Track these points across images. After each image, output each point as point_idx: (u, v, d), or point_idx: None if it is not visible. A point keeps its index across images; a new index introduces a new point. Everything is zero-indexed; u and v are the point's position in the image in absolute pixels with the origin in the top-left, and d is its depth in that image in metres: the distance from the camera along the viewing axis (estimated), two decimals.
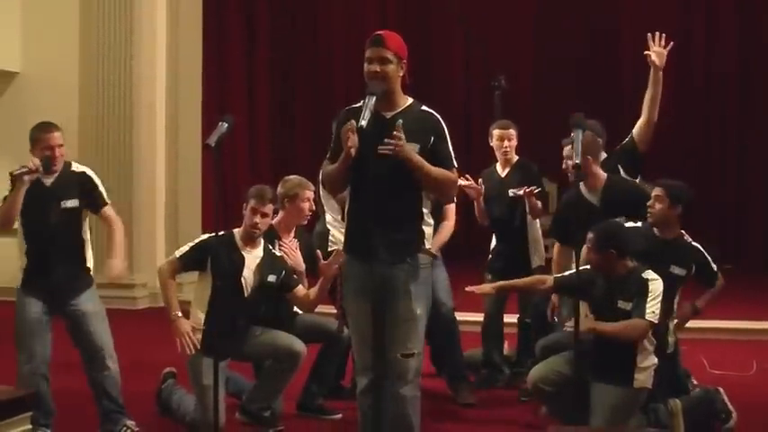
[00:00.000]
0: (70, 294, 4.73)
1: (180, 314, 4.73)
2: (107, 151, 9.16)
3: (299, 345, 4.95)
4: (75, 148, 9.12)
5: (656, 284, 4.43)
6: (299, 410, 5.31)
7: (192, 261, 4.86)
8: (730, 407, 4.86)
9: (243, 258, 4.85)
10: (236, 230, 4.95)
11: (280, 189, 5.27)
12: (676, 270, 4.78)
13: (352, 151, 3.63)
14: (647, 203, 4.86)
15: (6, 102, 9.80)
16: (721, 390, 4.94)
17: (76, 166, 4.81)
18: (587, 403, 4.46)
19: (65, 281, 4.72)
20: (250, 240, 4.90)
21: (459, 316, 5.80)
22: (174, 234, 9.61)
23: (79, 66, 9.38)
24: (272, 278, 4.91)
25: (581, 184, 4.97)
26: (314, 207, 5.31)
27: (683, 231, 4.91)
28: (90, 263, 4.85)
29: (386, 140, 3.63)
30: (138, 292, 9.21)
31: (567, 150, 5.14)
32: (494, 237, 6.06)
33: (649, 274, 4.47)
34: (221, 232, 4.77)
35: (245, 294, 4.86)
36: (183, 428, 4.96)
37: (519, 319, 5.94)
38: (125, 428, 4.75)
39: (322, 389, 5.33)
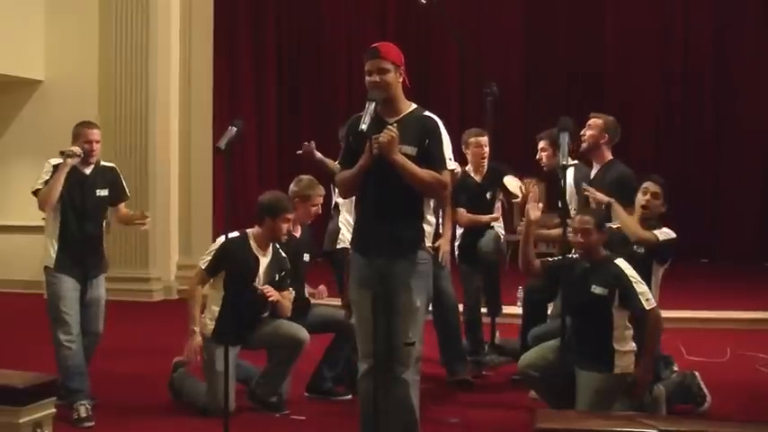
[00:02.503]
0: (94, 272, 5.04)
1: (197, 329, 4.85)
2: (124, 155, 9.16)
3: (302, 333, 4.98)
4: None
5: (630, 270, 4.41)
6: (309, 392, 5.33)
7: (216, 269, 4.92)
8: (705, 391, 4.88)
9: (258, 262, 4.94)
10: (249, 232, 4.98)
11: (293, 187, 5.30)
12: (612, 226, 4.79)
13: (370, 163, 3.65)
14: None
15: (31, 108, 9.83)
16: (697, 374, 4.95)
17: (103, 161, 5.16)
18: (574, 389, 4.47)
19: (92, 259, 5.03)
20: (266, 245, 4.95)
21: None
22: (187, 232, 9.64)
23: (98, 74, 9.40)
24: (277, 276, 5.01)
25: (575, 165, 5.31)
26: (320, 211, 5.35)
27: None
28: (105, 252, 5.16)
29: (384, 130, 3.63)
30: (154, 286, 9.24)
31: (542, 144, 5.44)
32: (460, 230, 6.03)
33: (623, 263, 4.44)
34: (235, 234, 4.89)
35: (258, 292, 4.92)
36: (195, 412, 4.97)
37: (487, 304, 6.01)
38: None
39: (332, 373, 5.36)
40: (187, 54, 9.76)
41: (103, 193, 5.05)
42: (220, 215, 9.57)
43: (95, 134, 5.00)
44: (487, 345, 6.07)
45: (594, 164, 5.31)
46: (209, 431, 4.52)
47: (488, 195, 5.94)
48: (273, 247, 5.03)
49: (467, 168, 5.96)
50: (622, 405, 4.44)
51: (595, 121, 5.28)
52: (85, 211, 4.97)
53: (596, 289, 4.43)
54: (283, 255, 5.09)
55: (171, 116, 9.61)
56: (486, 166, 5.96)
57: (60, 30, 9.58)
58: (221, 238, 4.93)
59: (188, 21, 9.76)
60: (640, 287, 4.38)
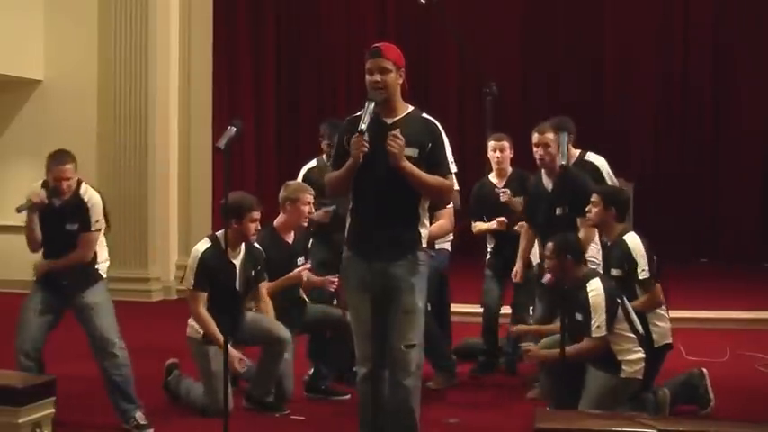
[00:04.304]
0: (78, 291, 4.73)
1: (229, 343, 4.64)
2: (124, 154, 9.18)
3: (283, 331, 4.99)
4: (95, 151, 9.17)
5: (596, 299, 4.43)
6: (307, 392, 5.34)
7: (204, 282, 4.88)
8: (711, 394, 4.86)
9: (234, 265, 4.91)
10: (219, 235, 4.94)
11: (282, 193, 5.32)
12: (615, 272, 4.74)
13: (360, 157, 3.64)
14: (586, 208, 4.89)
15: (30, 107, 9.82)
16: (705, 372, 4.92)
17: (84, 190, 4.73)
18: (579, 388, 4.48)
19: (73, 281, 4.73)
20: (236, 246, 4.94)
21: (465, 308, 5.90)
22: (187, 232, 9.63)
23: (98, 74, 9.39)
24: (252, 272, 5.03)
25: (542, 171, 5.21)
26: (312, 210, 5.32)
27: (627, 228, 4.90)
28: (101, 259, 4.84)
29: (390, 136, 3.62)
30: (153, 286, 9.23)
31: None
32: (490, 238, 5.97)
33: (592, 285, 4.47)
34: (206, 244, 4.91)
35: (238, 289, 4.93)
36: (195, 412, 4.97)
37: (512, 316, 5.96)
38: (132, 420, 4.67)
39: (330, 372, 5.35)
40: (186, 54, 9.76)
41: (71, 227, 4.67)
42: (219, 216, 9.56)
43: (66, 170, 4.58)
44: None
45: (548, 177, 5.22)
46: (208, 431, 4.51)
47: (502, 197, 5.75)
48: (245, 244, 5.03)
49: (490, 176, 5.91)
50: (624, 409, 4.43)
51: (549, 137, 5.15)
52: (58, 241, 4.69)
53: (578, 315, 4.49)
54: (257, 247, 5.08)
55: (170, 116, 9.61)
56: (508, 171, 5.85)
57: (60, 29, 9.57)
58: (195, 252, 4.91)
59: (187, 21, 9.75)
60: (597, 320, 4.40)
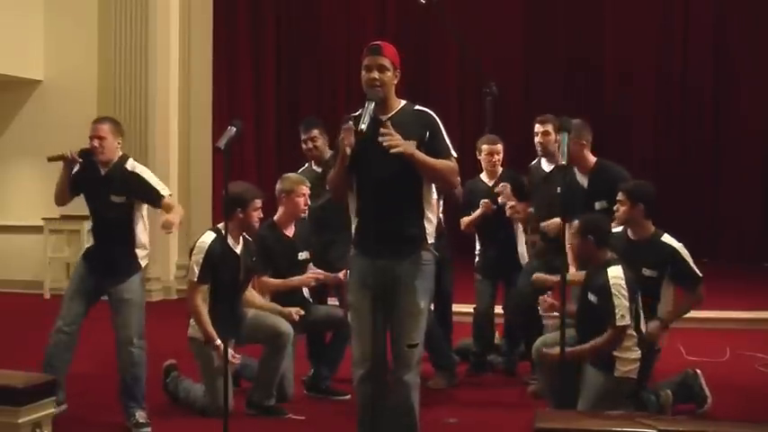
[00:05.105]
0: (116, 276, 4.73)
1: (219, 342, 4.63)
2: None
3: (284, 325, 4.99)
4: None
5: (617, 285, 4.39)
6: (308, 392, 5.34)
7: (208, 276, 4.88)
8: (707, 392, 4.86)
9: (237, 256, 4.94)
10: (220, 226, 4.94)
11: (278, 186, 5.34)
12: (647, 272, 4.70)
13: (348, 150, 3.64)
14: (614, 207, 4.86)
15: (31, 107, 9.86)
16: (699, 373, 4.93)
17: (131, 165, 4.77)
18: (577, 386, 4.48)
19: (114, 262, 4.75)
20: (238, 236, 4.97)
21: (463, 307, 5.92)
22: (187, 232, 9.61)
23: (98, 75, 9.42)
24: (250, 261, 5.06)
25: (575, 168, 5.17)
26: (308, 202, 5.32)
27: (658, 230, 4.82)
28: (139, 252, 4.83)
29: (380, 138, 3.60)
30: (153, 286, 9.22)
31: (537, 127, 5.53)
32: (477, 238, 6.01)
33: (613, 271, 4.43)
34: (212, 236, 4.89)
35: (240, 280, 4.95)
36: (194, 414, 4.97)
37: (505, 317, 5.97)
38: (132, 419, 4.68)
39: (331, 371, 5.36)
40: (186, 55, 9.77)
41: (118, 199, 4.68)
42: (219, 214, 9.57)
43: (99, 129, 4.65)
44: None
45: (581, 174, 5.21)
46: (208, 431, 4.52)
47: (501, 199, 5.79)
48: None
49: (481, 176, 5.94)
50: (623, 408, 4.43)
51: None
52: (103, 212, 4.72)
53: (591, 297, 4.48)
54: (248, 238, 5.11)
55: (170, 117, 9.63)
56: (499, 171, 5.88)
57: (60, 30, 9.60)
58: (202, 244, 4.89)
59: (187, 21, 9.77)
60: (620, 308, 4.36)
